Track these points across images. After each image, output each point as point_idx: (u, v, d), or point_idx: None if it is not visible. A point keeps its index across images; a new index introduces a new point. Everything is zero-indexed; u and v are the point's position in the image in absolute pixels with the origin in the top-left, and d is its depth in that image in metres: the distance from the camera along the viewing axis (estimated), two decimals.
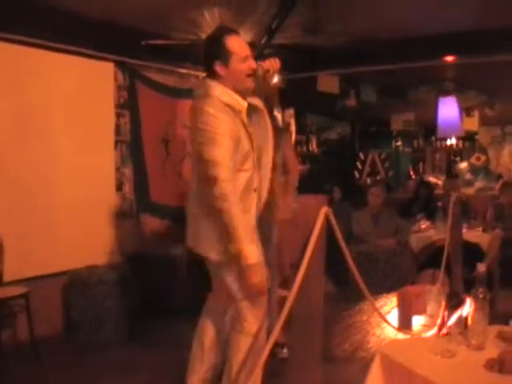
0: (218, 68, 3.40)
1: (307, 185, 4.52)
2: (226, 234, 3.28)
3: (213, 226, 3.40)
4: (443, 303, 3.57)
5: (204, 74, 3.61)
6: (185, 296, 6.27)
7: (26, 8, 5.09)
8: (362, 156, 11.38)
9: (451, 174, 10.69)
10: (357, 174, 11.32)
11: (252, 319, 3.53)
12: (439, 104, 8.82)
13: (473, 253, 6.29)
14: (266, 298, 3.58)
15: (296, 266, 2.76)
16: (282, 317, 2.68)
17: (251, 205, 3.49)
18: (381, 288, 5.76)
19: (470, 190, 9.93)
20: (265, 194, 3.56)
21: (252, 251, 3.25)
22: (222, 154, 3.23)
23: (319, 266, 2.83)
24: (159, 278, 6.22)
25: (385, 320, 3.50)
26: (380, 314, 3.41)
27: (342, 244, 2.99)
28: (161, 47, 6.41)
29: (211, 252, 3.52)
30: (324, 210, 2.77)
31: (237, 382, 3.56)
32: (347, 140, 11.68)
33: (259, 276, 3.30)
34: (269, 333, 2.90)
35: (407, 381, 2.69)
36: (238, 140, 3.31)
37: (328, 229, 2.87)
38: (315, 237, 2.71)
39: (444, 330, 3.15)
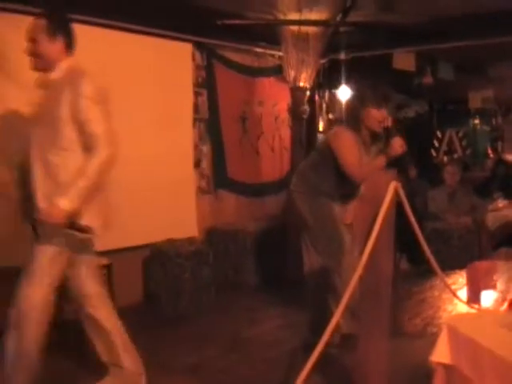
0: None
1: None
2: None
3: None
4: None
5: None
6: (256, 270, 6.47)
7: None
8: (439, 134, 11.26)
9: None
10: (434, 153, 11.22)
11: None
12: None
13: None
14: None
15: (365, 240, 2.86)
16: (349, 290, 2.78)
17: None
18: (454, 265, 5.76)
19: None
20: None
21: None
22: None
23: (388, 240, 2.92)
24: (235, 252, 6.41)
25: (454, 294, 3.55)
26: (450, 288, 3.47)
27: (412, 219, 3.07)
28: (237, 27, 6.53)
29: None
30: (394, 185, 2.85)
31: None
32: (424, 118, 11.57)
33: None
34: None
35: (473, 352, 2.75)
36: None
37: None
38: (384, 211, 2.80)
39: None
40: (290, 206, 6.69)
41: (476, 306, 3.88)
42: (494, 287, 3.87)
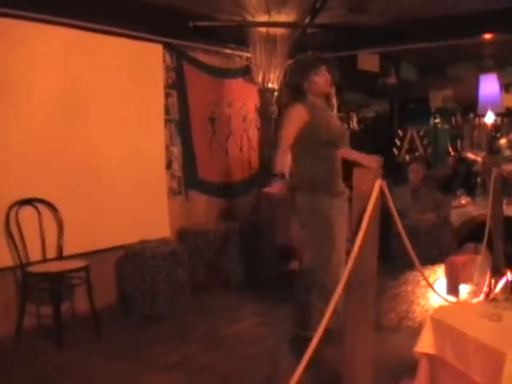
0: None
1: (347, 162, 4.69)
2: None
3: None
4: (489, 272, 3.75)
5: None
6: (230, 270, 6.54)
7: None
8: (400, 133, 11.44)
9: (492, 150, 10.70)
10: (396, 151, 11.39)
11: None
12: (480, 81, 8.88)
13: None
14: None
15: (353, 236, 2.94)
16: (340, 285, 2.86)
17: None
18: (422, 260, 5.90)
19: (509, 166, 9.95)
20: None
21: None
22: None
23: (374, 236, 3.00)
24: (207, 252, 6.45)
25: (432, 288, 3.66)
26: (428, 282, 3.58)
27: (395, 215, 3.17)
28: (206, 28, 6.59)
29: None
30: (379, 182, 2.94)
31: None
32: (385, 117, 11.75)
33: None
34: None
35: (457, 341, 2.87)
36: None
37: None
38: (371, 208, 2.89)
39: (490, 297, 3.33)
40: (262, 204, 6.81)
41: (451, 299, 4.01)
42: (470, 280, 4.01)
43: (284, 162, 4.47)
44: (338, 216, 4.44)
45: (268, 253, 6.65)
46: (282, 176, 4.42)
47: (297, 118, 4.46)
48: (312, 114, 4.43)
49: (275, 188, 4.52)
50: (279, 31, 6.65)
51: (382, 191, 2.98)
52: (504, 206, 5.87)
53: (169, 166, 6.51)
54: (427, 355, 3.10)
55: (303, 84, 4.58)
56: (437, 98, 10.55)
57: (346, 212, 4.45)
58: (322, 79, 4.55)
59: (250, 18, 6.46)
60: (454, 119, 11.79)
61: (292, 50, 6.89)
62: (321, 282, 4.36)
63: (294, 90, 4.73)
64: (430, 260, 6.08)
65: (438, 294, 3.76)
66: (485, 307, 3.08)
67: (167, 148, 6.48)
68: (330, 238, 4.40)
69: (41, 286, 4.92)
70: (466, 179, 9.44)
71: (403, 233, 3.26)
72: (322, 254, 4.41)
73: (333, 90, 4.77)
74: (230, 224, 6.78)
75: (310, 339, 2.89)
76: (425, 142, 11.45)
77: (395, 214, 3.15)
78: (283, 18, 6.46)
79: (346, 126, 4.77)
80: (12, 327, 4.97)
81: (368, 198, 2.90)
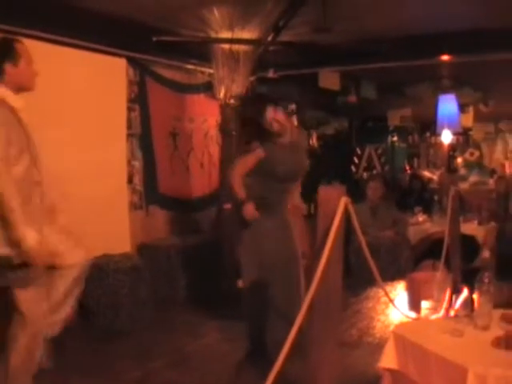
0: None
1: (305, 180, 4.81)
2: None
3: None
4: (449, 289, 3.82)
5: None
6: (190, 285, 6.52)
7: (40, 3, 5.23)
8: (358, 151, 11.61)
9: (450, 168, 10.95)
10: (354, 169, 11.55)
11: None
12: (439, 100, 9.07)
13: (469, 245, 6.54)
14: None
15: (317, 254, 2.97)
16: (306, 301, 2.89)
17: (32, 196, 3.62)
18: (382, 277, 5.98)
19: (464, 185, 10.19)
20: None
21: (29, 233, 3.33)
22: None
23: (339, 252, 3.04)
24: (167, 268, 6.44)
25: (393, 304, 3.72)
26: (389, 298, 3.64)
27: (359, 232, 3.21)
28: (169, 44, 6.61)
29: None
30: (344, 200, 2.99)
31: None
32: (344, 135, 11.90)
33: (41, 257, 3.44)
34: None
35: (420, 357, 2.92)
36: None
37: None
38: (336, 225, 2.93)
39: (451, 313, 3.39)
40: (222, 220, 6.82)
41: (412, 315, 4.08)
42: (430, 297, 4.08)
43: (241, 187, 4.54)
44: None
45: (228, 269, 6.64)
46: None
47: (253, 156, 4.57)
48: (269, 152, 4.53)
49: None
50: (242, 48, 6.69)
51: (346, 208, 3.02)
52: (461, 224, 6.00)
53: (130, 180, 6.48)
54: (390, 371, 3.14)
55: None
56: (395, 117, 10.75)
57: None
58: (269, 121, 4.58)
59: (213, 34, 6.49)
60: (411, 138, 12.04)
61: (255, 67, 6.94)
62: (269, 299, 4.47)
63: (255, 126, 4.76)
64: (389, 277, 6.17)
65: (400, 310, 3.82)
66: (446, 323, 3.14)
67: (129, 162, 6.46)
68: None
69: None
70: (420, 196, 9.61)
71: (366, 249, 3.31)
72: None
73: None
74: (190, 239, 6.77)
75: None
76: (382, 159, 11.64)
77: (359, 230, 3.19)
78: (246, 34, 6.50)
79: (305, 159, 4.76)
80: None
81: (333, 215, 2.94)
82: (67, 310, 3.98)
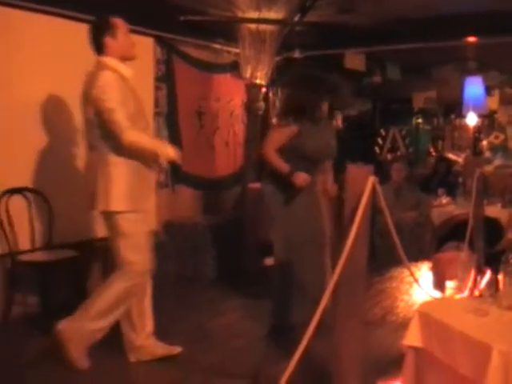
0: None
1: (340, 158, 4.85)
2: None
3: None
4: (473, 269, 3.85)
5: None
6: (213, 263, 6.58)
7: None
8: (383, 132, 11.58)
9: (475, 151, 10.89)
10: (378, 150, 11.52)
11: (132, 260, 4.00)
12: (465, 83, 9.03)
13: (492, 227, 6.53)
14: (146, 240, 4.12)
15: (344, 232, 3.02)
16: (332, 279, 2.94)
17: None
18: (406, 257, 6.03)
19: (489, 168, 10.12)
20: None
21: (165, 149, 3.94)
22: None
23: (365, 231, 3.09)
24: (192, 246, 6.50)
25: (418, 284, 3.76)
26: (415, 277, 3.68)
27: (387, 212, 3.26)
28: (196, 23, 6.64)
29: None
30: (372, 179, 3.03)
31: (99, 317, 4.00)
32: (368, 116, 11.88)
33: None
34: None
35: (444, 335, 2.95)
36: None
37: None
38: (363, 204, 2.97)
39: (476, 293, 3.43)
40: (246, 199, 6.88)
41: (436, 294, 4.12)
42: (455, 277, 4.11)
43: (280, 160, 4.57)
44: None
45: (251, 247, 6.71)
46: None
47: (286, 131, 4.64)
48: (302, 128, 4.58)
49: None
50: (268, 28, 6.70)
51: (374, 188, 3.06)
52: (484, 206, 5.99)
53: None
54: (414, 348, 3.17)
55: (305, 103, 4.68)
56: (420, 99, 10.72)
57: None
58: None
59: (240, 14, 6.51)
60: (435, 120, 11.98)
61: (280, 48, 6.96)
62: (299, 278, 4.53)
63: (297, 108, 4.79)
64: (412, 257, 6.18)
65: (424, 290, 3.86)
66: (470, 302, 3.17)
67: None
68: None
69: (29, 274, 4.96)
70: (446, 179, 9.58)
71: (393, 230, 3.35)
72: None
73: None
74: (214, 218, 6.84)
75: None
76: (406, 141, 11.61)
77: (386, 210, 3.23)
78: (273, 14, 6.51)
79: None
80: None
81: (360, 194, 2.98)
82: (115, 317, 4.08)
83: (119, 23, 4.01)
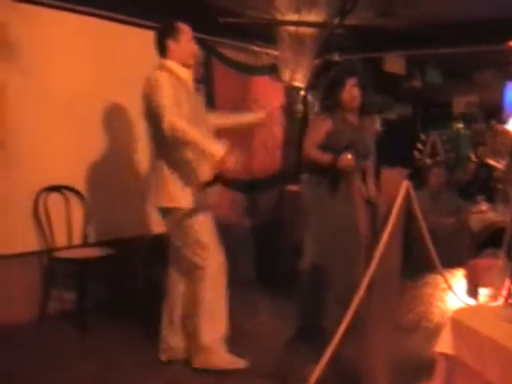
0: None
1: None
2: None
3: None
4: (508, 277, 3.79)
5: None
6: (250, 265, 6.59)
7: None
8: (423, 137, 11.45)
9: None
10: (417, 155, 11.41)
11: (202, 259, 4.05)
12: (507, 88, 8.90)
13: None
14: (213, 242, 4.16)
15: (377, 235, 3.02)
16: (365, 280, 2.94)
17: None
18: (441, 263, 5.97)
19: None
20: None
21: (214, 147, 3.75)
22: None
23: (398, 235, 3.08)
24: (229, 246, 6.51)
25: (452, 290, 3.73)
26: (448, 284, 3.65)
27: (420, 216, 3.24)
28: (235, 25, 6.66)
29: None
30: (406, 183, 3.02)
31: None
32: (407, 121, 11.77)
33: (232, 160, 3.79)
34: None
35: (476, 343, 2.92)
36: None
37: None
38: (397, 208, 2.96)
39: (510, 301, 3.38)
40: (283, 202, 6.88)
41: (470, 302, 4.07)
42: (490, 284, 4.06)
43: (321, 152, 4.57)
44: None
45: (288, 249, 6.70)
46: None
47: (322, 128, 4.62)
48: (335, 124, 4.55)
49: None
50: (308, 31, 6.71)
51: (408, 192, 3.05)
52: None
53: None
54: (445, 355, 3.15)
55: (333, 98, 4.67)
56: (460, 104, 10.59)
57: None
58: (347, 96, 4.62)
59: (279, 17, 6.53)
60: (476, 125, 11.81)
61: (319, 50, 6.95)
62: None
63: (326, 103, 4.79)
64: (448, 263, 6.11)
65: (458, 297, 3.82)
66: (504, 311, 3.13)
67: None
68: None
69: (66, 271, 5.04)
70: (486, 185, 9.44)
71: (427, 235, 3.33)
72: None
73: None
74: (253, 220, 6.85)
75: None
76: (447, 146, 11.46)
77: (419, 214, 3.21)
78: (312, 17, 6.52)
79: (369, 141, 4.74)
80: (36, 312, 5.10)
81: (394, 197, 2.98)
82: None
83: (185, 29, 4.15)
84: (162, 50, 4.11)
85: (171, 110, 3.73)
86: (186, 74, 4.12)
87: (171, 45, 4.07)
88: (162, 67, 4.03)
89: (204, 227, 4.11)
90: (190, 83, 4.15)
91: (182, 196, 3.98)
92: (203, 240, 4.08)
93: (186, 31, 4.14)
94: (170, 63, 4.05)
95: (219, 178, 4.06)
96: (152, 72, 3.98)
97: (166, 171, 3.98)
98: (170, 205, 4.01)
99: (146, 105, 3.99)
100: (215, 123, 4.32)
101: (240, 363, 4.04)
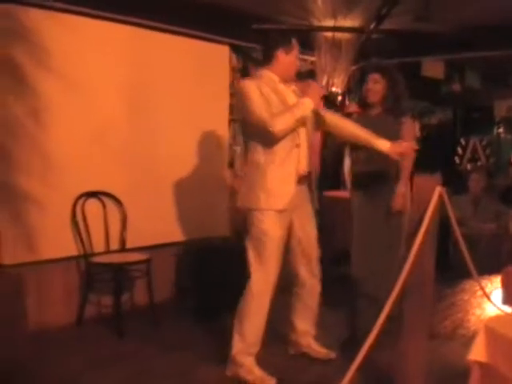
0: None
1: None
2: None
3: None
4: None
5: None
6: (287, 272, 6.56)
7: None
8: (463, 142, 11.34)
9: None
10: (457, 160, 11.29)
11: (255, 278, 3.98)
12: None
13: None
14: (277, 264, 4.03)
15: (410, 241, 3.00)
16: (397, 287, 2.92)
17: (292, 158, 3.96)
18: (480, 270, 5.88)
19: None
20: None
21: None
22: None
23: (432, 242, 3.06)
24: None
25: (488, 298, 3.68)
26: (484, 291, 3.60)
27: (454, 222, 3.20)
28: (270, 31, 6.67)
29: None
30: (438, 189, 3.00)
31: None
32: (448, 125, 11.66)
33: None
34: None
35: (510, 350, 2.88)
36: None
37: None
38: (430, 214, 2.94)
39: None
40: (322, 207, 6.85)
41: (507, 309, 4.01)
42: None
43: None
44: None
45: (326, 256, 6.67)
46: None
47: None
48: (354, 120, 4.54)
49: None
50: (345, 36, 6.70)
51: (441, 198, 3.03)
52: None
53: (231, 164, 6.61)
54: (479, 363, 3.10)
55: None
56: (502, 108, 10.47)
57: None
58: (365, 91, 4.68)
59: (315, 22, 6.53)
60: None
61: (357, 56, 6.93)
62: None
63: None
64: (489, 270, 6.04)
65: (493, 304, 3.77)
66: None
67: (230, 147, 6.60)
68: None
69: (103, 276, 5.10)
70: None
71: (461, 241, 3.29)
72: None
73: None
74: None
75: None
76: (487, 151, 11.32)
77: (454, 221, 3.18)
78: (349, 22, 6.51)
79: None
80: (74, 316, 5.18)
81: (427, 204, 2.95)
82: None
83: (296, 45, 4.10)
84: (268, 59, 4.08)
85: (266, 114, 3.79)
86: (283, 88, 4.08)
87: (280, 55, 4.03)
88: (255, 75, 4.11)
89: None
90: (290, 97, 4.10)
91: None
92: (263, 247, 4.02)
93: (296, 47, 4.10)
94: (270, 74, 4.05)
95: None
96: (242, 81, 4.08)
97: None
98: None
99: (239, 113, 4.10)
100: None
101: (269, 381, 3.96)
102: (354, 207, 4.74)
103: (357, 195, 4.72)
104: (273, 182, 3.89)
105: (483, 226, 7.19)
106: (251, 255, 4.05)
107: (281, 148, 3.88)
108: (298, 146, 3.96)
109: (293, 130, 3.88)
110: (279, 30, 4.33)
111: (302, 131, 4.02)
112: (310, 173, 4.13)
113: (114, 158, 5.46)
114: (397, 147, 4.05)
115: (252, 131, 3.94)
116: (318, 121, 4.23)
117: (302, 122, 3.92)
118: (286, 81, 4.09)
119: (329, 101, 4.28)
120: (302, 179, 4.03)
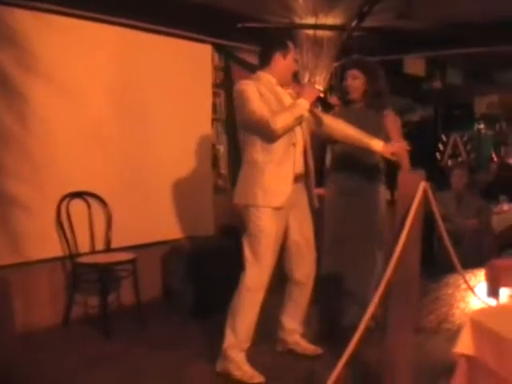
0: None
1: (388, 166, 4.76)
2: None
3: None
4: None
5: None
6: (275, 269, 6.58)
7: None
8: (444, 138, 11.40)
9: None
10: (438, 156, 11.36)
11: (250, 273, 4.02)
12: None
13: None
14: (271, 261, 4.02)
15: (396, 236, 3.02)
16: (382, 284, 2.94)
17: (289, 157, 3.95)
18: (464, 265, 5.94)
19: None
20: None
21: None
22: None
23: (417, 237, 3.08)
24: None
25: (472, 291, 3.72)
26: (469, 285, 3.64)
27: (438, 217, 3.23)
28: (253, 30, 6.69)
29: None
30: (423, 184, 3.02)
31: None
32: (429, 122, 11.72)
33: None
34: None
35: (497, 344, 2.91)
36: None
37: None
38: (414, 209, 2.97)
39: None
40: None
41: (491, 302, 4.05)
42: (510, 284, 4.05)
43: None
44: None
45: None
46: None
47: None
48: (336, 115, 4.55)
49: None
50: (326, 34, 6.73)
51: (425, 194, 3.05)
52: None
53: (215, 163, 6.63)
54: (466, 356, 3.13)
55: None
56: (482, 104, 10.55)
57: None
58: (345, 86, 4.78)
59: (297, 20, 6.55)
60: (498, 125, 11.73)
61: (338, 53, 6.96)
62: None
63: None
64: (472, 264, 6.09)
65: (478, 297, 3.81)
66: None
67: (213, 146, 6.61)
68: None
69: (89, 276, 5.09)
70: (507, 186, 9.38)
71: (445, 236, 3.32)
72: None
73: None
74: None
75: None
76: (468, 147, 11.39)
77: (438, 216, 3.21)
78: (330, 20, 6.54)
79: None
80: (60, 316, 5.17)
81: (411, 200, 2.98)
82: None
83: (293, 48, 4.13)
84: (265, 61, 4.12)
85: (266, 113, 3.78)
86: (280, 90, 4.08)
87: (278, 58, 4.06)
88: (253, 77, 4.12)
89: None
90: (286, 99, 4.06)
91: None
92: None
93: (293, 50, 4.13)
94: (268, 76, 4.06)
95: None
96: (239, 83, 4.04)
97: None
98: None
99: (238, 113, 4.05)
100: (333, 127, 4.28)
101: (257, 378, 3.95)
102: (328, 201, 4.78)
103: (330, 189, 4.76)
104: (270, 181, 3.90)
105: (466, 222, 7.24)
106: (247, 251, 4.07)
107: (278, 147, 3.89)
108: (294, 144, 3.96)
109: (291, 129, 3.90)
110: (275, 33, 4.31)
111: (298, 131, 4.02)
112: (308, 172, 4.12)
113: (98, 159, 5.45)
114: (390, 147, 4.11)
115: (251, 131, 3.94)
116: (316, 121, 4.21)
117: (300, 121, 3.92)
118: (283, 83, 4.10)
119: (324, 102, 4.29)
120: (298, 178, 4.04)
